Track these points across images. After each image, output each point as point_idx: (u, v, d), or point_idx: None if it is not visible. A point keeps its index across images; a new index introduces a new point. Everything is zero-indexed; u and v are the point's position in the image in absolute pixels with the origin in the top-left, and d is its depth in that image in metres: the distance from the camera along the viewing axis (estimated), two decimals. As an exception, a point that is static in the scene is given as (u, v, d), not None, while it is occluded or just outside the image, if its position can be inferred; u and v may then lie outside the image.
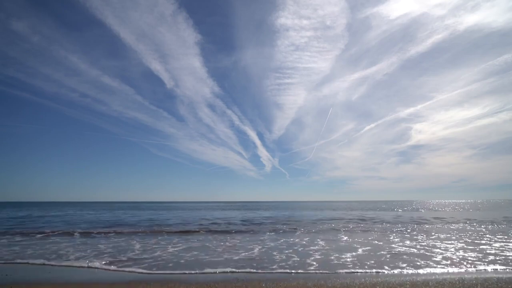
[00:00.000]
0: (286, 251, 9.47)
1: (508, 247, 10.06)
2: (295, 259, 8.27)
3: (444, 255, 8.67)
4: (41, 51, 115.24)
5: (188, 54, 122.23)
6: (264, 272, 6.71)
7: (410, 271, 6.72)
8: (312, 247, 10.24)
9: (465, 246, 10.19)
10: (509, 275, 6.22)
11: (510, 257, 8.24)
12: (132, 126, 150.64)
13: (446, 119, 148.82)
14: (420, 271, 6.73)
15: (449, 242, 11.28)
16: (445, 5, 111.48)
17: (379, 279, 5.96)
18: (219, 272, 6.71)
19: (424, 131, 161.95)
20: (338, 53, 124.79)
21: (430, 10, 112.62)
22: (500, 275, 6.21)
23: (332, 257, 8.46)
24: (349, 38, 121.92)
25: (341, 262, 7.76)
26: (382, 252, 9.16)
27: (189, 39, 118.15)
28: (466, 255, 8.66)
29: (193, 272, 6.73)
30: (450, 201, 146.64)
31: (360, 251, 9.48)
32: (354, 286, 5.41)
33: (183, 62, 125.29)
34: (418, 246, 10.27)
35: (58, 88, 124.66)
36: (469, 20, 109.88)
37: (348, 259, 8.13)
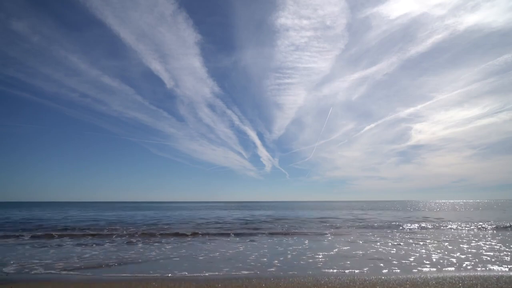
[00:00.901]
0: (263, 251, 9.54)
1: (484, 249, 9.89)
2: (263, 259, 8.31)
3: (420, 256, 8.59)
4: (41, 51, 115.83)
5: (188, 54, 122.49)
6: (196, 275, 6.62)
7: (409, 271, 6.67)
8: (292, 247, 10.27)
9: (448, 247, 10.09)
10: (509, 275, 6.16)
11: (482, 261, 8.13)
12: (132, 126, 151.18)
13: (446, 119, 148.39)
14: (418, 271, 6.66)
15: (432, 243, 11.18)
16: (445, 5, 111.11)
17: (378, 279, 5.90)
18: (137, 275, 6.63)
19: (424, 131, 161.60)
20: (338, 53, 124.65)
21: (430, 10, 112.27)
22: (500, 275, 6.15)
23: (304, 257, 8.50)
24: (349, 38, 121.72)
25: (305, 263, 7.76)
26: (358, 252, 9.13)
27: (189, 39, 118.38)
28: (439, 257, 8.55)
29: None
30: (450, 201, 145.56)
31: (333, 252, 9.45)
32: (354, 286, 5.42)
33: (183, 62, 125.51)
34: (398, 247, 10.19)
35: (58, 88, 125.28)
36: (469, 20, 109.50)
37: (318, 260, 8.14)
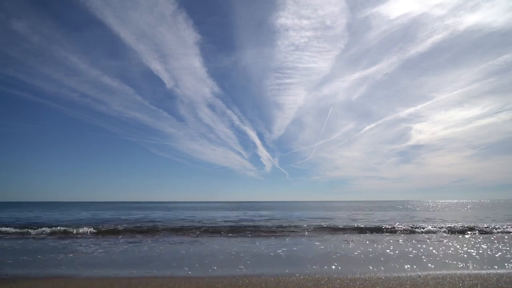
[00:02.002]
0: (235, 249, 9.87)
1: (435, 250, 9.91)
2: (232, 255, 8.64)
3: (359, 254, 8.79)
4: (41, 51, 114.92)
5: (188, 54, 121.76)
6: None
7: (409, 271, 6.67)
8: (260, 246, 10.50)
9: (397, 247, 10.14)
10: (509, 275, 6.19)
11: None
12: (132, 126, 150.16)
13: (446, 119, 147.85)
14: (419, 271, 6.65)
15: (397, 243, 11.20)
16: (445, 5, 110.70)
17: (378, 279, 5.91)
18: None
19: (424, 131, 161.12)
20: (338, 53, 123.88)
21: (430, 10, 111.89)
22: (500, 275, 6.18)
23: (266, 252, 8.72)
24: (349, 38, 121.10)
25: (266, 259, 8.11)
26: (318, 248, 9.32)
27: (189, 39, 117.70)
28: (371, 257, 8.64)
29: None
30: (449, 201, 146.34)
31: (294, 248, 9.64)
32: (355, 286, 5.45)
33: (183, 62, 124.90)
34: (361, 249, 10.11)
35: (58, 88, 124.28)
36: (469, 20, 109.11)
37: (273, 257, 8.52)
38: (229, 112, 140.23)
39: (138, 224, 18.31)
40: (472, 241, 11.66)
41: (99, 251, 9.74)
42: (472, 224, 16.96)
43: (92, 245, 10.87)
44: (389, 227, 16.17)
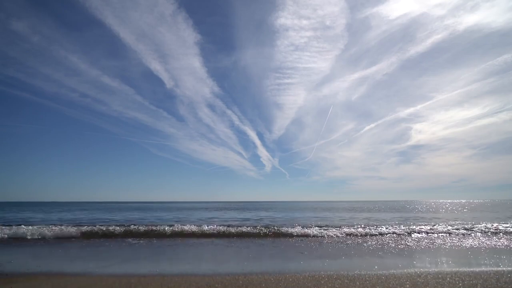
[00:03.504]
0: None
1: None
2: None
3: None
4: (41, 51, 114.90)
5: (188, 54, 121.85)
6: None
7: (409, 271, 6.67)
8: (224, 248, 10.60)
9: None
10: (509, 275, 6.20)
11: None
12: (132, 126, 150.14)
13: (446, 119, 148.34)
14: (420, 271, 6.65)
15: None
16: (445, 5, 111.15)
17: (378, 279, 5.90)
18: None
19: (424, 131, 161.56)
20: (338, 53, 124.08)
21: (430, 10, 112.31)
22: (500, 275, 6.18)
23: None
24: (349, 38, 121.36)
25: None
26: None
27: (189, 39, 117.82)
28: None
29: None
30: (449, 201, 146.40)
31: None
32: (354, 287, 5.45)
33: (183, 62, 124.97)
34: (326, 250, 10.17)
35: (58, 88, 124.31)
36: (469, 20, 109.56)
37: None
38: (229, 112, 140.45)
39: (136, 225, 18.22)
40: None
41: (99, 251, 9.74)
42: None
43: (92, 245, 10.83)
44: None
